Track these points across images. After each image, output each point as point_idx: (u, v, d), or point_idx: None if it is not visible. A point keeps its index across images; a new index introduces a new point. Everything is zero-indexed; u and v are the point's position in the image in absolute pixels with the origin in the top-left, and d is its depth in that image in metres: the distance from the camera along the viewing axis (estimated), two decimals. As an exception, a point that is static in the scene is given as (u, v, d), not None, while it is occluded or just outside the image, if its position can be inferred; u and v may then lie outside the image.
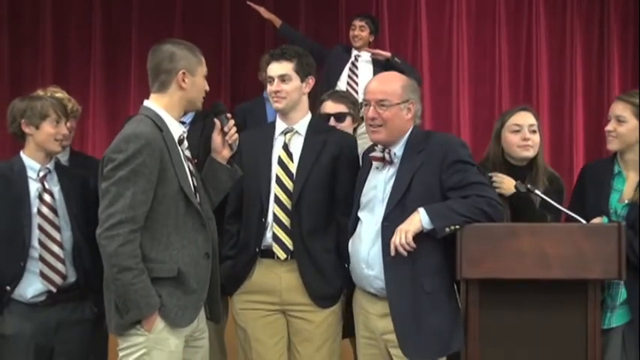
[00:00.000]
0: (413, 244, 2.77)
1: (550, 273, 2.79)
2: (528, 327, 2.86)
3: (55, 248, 3.11)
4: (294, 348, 3.21)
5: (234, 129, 2.97)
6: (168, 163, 2.73)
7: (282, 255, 3.14)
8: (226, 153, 2.99)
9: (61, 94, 3.54)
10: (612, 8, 6.65)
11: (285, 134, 3.24)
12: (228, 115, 2.99)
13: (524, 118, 3.36)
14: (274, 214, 3.15)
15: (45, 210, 3.13)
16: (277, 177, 3.18)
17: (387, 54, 5.83)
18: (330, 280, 3.14)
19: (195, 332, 2.86)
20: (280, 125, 3.26)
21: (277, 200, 3.16)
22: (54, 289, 3.10)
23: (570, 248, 2.79)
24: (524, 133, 3.32)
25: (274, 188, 3.17)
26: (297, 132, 3.24)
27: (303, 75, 3.22)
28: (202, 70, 2.89)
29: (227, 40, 6.71)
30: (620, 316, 3.13)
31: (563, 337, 2.85)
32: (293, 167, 3.19)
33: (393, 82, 3.01)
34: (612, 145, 3.28)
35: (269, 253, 3.17)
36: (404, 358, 2.87)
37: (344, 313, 3.22)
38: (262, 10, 6.16)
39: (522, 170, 3.32)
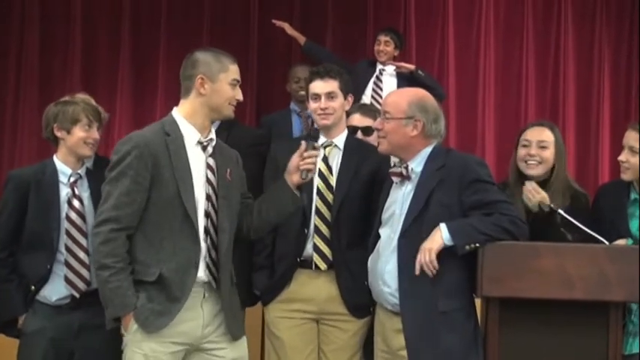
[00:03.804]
0: (436, 264, 2.76)
1: (572, 294, 2.77)
2: (548, 348, 2.84)
3: (81, 254, 3.15)
4: (324, 356, 3.28)
5: (313, 159, 2.91)
6: (165, 167, 2.76)
7: (322, 266, 3.21)
8: (296, 178, 2.92)
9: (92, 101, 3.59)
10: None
11: (325, 148, 3.31)
12: (317, 144, 2.97)
13: (535, 134, 3.36)
14: (315, 226, 3.22)
15: (73, 215, 3.18)
16: (318, 189, 3.24)
17: (411, 67, 5.84)
18: (365, 291, 3.14)
19: (203, 342, 2.83)
20: (319, 139, 3.30)
21: (318, 212, 3.23)
22: (77, 295, 3.14)
23: (593, 269, 2.77)
24: (530, 148, 3.33)
25: (315, 200, 3.23)
26: (336, 146, 3.32)
27: (345, 92, 3.34)
28: (227, 76, 2.87)
29: (254, 51, 6.74)
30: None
31: (584, 359, 2.83)
32: (333, 180, 3.26)
33: (401, 97, 3.03)
34: (626, 176, 3.28)
35: (307, 264, 3.24)
36: (417, 375, 2.85)
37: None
38: (287, 27, 6.17)
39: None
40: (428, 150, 2.99)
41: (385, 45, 5.91)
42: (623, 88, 6.66)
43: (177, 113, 2.88)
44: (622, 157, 3.28)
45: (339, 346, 3.24)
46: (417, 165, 2.98)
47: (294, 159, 2.92)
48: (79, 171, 3.25)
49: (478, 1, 6.72)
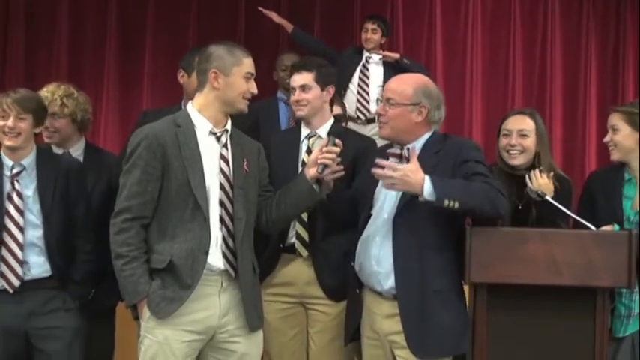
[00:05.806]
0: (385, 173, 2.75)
1: (560, 279, 2.79)
2: (536, 333, 2.86)
3: (17, 250, 3.12)
4: (310, 338, 3.35)
5: (331, 155, 2.93)
6: (174, 157, 2.80)
7: (304, 252, 3.28)
8: (312, 171, 2.94)
9: (59, 91, 3.56)
10: (629, 13, 6.62)
11: (309, 139, 3.36)
12: (338, 141, 2.97)
13: (515, 123, 3.38)
14: None
15: (12, 210, 3.14)
16: None
17: (396, 55, 5.83)
18: (342, 275, 3.17)
19: (221, 333, 2.85)
20: (304, 130, 3.39)
21: None
22: (10, 290, 3.11)
23: (580, 255, 2.79)
24: (511, 138, 3.35)
25: None
26: (319, 136, 3.34)
27: (323, 84, 3.36)
28: (240, 70, 2.90)
29: (241, 40, 6.70)
30: (633, 325, 3.13)
31: (571, 344, 2.85)
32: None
33: (406, 83, 3.01)
34: (614, 156, 3.34)
35: (290, 249, 3.29)
36: (408, 359, 2.86)
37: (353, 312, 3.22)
38: (274, 16, 6.15)
39: (524, 174, 3.31)
40: (427, 135, 3.00)
41: (372, 33, 5.90)
42: (610, 76, 6.69)
43: (191, 106, 2.92)
44: (607, 138, 3.36)
45: (321, 329, 3.29)
46: (416, 147, 2.97)
47: (314, 153, 2.97)
48: (23, 162, 3.19)
49: (466, -11, 6.73)
